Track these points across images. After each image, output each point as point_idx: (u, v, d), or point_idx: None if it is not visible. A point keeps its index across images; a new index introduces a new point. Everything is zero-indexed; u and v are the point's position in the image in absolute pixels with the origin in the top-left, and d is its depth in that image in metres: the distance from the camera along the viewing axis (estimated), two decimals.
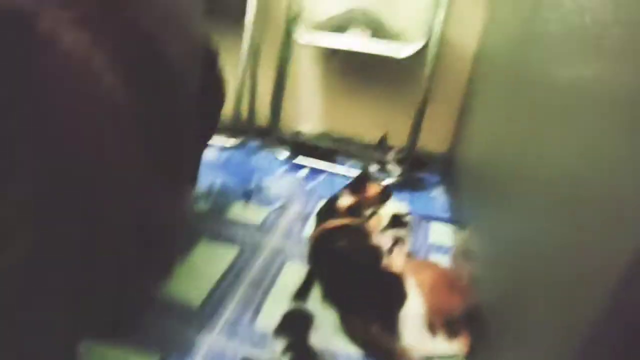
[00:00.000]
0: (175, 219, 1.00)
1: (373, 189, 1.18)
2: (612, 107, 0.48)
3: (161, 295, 0.93)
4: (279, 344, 0.72)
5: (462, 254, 1.09)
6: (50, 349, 0.61)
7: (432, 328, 0.86)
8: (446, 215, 1.37)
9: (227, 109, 1.74)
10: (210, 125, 1.18)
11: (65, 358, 0.65)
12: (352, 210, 1.14)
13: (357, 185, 1.19)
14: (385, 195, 1.18)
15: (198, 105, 0.91)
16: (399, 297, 0.86)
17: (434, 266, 0.99)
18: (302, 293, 0.90)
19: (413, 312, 0.85)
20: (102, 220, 0.62)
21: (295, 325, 0.77)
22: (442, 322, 0.86)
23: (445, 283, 0.91)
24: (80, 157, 0.56)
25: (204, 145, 1.18)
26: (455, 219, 1.29)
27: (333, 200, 1.20)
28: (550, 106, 0.68)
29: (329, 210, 1.15)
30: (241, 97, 1.68)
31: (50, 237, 0.53)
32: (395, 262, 0.98)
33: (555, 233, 0.59)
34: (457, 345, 0.85)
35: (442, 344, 0.85)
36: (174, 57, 0.78)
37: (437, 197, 1.49)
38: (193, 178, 1.20)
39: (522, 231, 0.72)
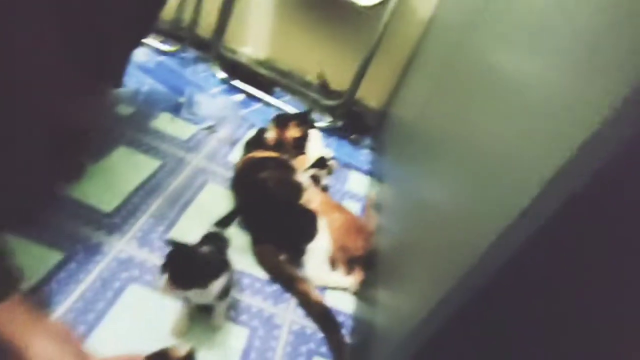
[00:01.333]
0: (93, 118, 0.94)
1: (293, 131, 1.21)
2: (530, 96, 0.54)
3: (71, 195, 0.90)
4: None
5: (373, 205, 1.20)
6: None
7: (334, 263, 0.96)
8: (367, 167, 1.46)
9: (168, 11, 1.59)
10: (146, 24, 1.07)
11: None
12: (280, 145, 1.16)
13: (281, 121, 1.21)
14: (302, 141, 1.22)
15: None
16: (309, 231, 0.93)
17: (345, 210, 1.08)
18: (225, 221, 0.92)
19: (319, 248, 0.94)
20: (14, 114, 0.57)
21: (213, 244, 0.81)
22: (344, 259, 0.96)
23: (353, 226, 1.01)
24: None
25: (135, 44, 1.09)
26: (375, 172, 1.38)
27: (262, 131, 1.21)
28: (479, 86, 0.75)
29: (257, 141, 1.16)
30: (185, 1, 1.54)
31: None
32: (312, 198, 1.05)
33: (451, 196, 0.68)
34: (351, 281, 0.96)
35: (339, 278, 0.96)
36: None
37: (362, 149, 1.57)
38: (118, 77, 1.12)
39: (426, 191, 0.82)
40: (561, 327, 0.51)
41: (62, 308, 0.71)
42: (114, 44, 0.85)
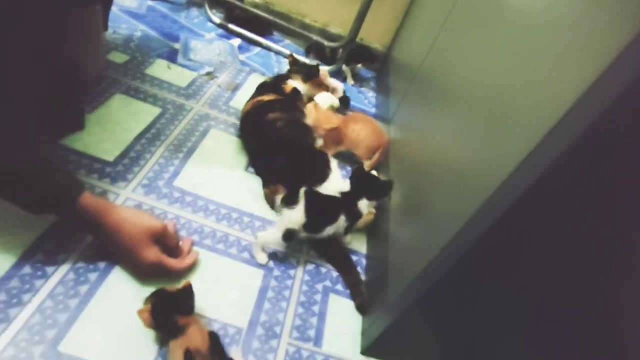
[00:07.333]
0: (82, 48, 0.89)
1: (324, 84, 1.19)
2: (539, 36, 0.50)
3: (71, 146, 0.86)
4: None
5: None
6: None
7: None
8: (372, 110, 1.41)
9: None
10: None
11: None
12: (295, 94, 1.11)
13: (310, 74, 1.16)
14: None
15: None
16: (321, 172, 0.90)
17: (364, 117, 1.14)
18: None
19: (332, 189, 0.91)
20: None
21: None
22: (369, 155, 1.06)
23: (374, 129, 1.10)
24: None
25: None
26: (380, 115, 1.34)
27: (281, 78, 1.16)
28: (486, 25, 0.69)
29: (273, 85, 1.11)
30: None
31: None
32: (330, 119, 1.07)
33: (459, 136, 0.66)
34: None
35: None
36: None
37: (366, 92, 1.51)
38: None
39: (434, 131, 0.79)
40: (566, 261, 0.50)
41: (75, 254, 0.70)
42: None
